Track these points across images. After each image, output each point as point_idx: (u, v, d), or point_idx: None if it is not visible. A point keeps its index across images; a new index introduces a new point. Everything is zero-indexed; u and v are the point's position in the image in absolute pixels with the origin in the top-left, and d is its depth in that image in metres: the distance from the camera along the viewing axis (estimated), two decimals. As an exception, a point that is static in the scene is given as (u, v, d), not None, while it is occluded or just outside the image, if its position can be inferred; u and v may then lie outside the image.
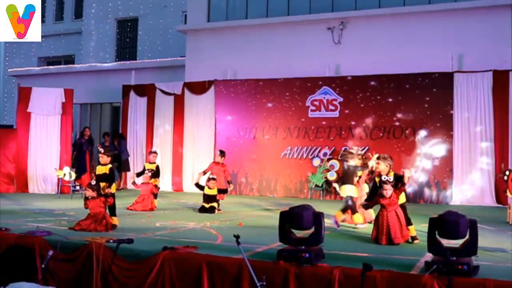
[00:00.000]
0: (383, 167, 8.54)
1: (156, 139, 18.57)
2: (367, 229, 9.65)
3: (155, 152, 13.32)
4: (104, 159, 9.47)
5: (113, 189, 9.32)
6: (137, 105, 18.93)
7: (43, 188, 16.39)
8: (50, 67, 24.89)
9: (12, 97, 25.21)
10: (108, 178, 9.32)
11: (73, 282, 6.96)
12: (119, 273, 6.73)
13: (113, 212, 9.21)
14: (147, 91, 18.83)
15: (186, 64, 19.37)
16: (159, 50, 22.90)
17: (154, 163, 12.93)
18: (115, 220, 9.09)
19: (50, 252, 6.18)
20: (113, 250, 6.07)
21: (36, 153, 16.56)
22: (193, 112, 18.16)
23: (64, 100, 16.88)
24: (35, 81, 21.35)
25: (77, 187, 15.47)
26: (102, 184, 9.15)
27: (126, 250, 6.52)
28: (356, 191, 10.01)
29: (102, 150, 9.65)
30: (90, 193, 8.90)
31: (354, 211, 9.84)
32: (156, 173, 12.73)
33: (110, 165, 9.54)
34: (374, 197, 8.45)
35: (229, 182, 12.64)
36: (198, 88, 18.12)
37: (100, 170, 9.46)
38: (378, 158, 8.74)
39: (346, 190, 9.86)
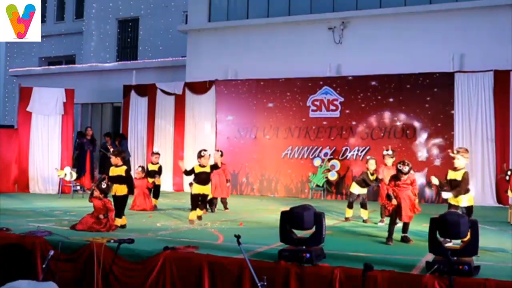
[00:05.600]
0: (463, 161, 8.26)
1: (157, 139, 18.59)
2: (369, 228, 9.66)
3: (157, 153, 13.32)
4: (114, 159, 9.34)
5: (123, 190, 9.20)
6: (138, 105, 18.94)
7: (44, 188, 16.40)
8: (51, 67, 24.91)
9: (13, 97, 25.24)
10: (126, 181, 9.15)
11: (74, 282, 6.96)
12: (120, 273, 6.73)
13: (119, 214, 9.10)
14: (148, 91, 18.85)
15: (187, 64, 19.38)
16: (160, 50, 22.92)
17: (157, 163, 12.95)
18: (118, 221, 9.01)
19: (51, 252, 6.19)
20: (114, 250, 6.08)
21: (37, 153, 16.56)
22: (194, 112, 18.18)
23: (65, 100, 16.90)
24: (36, 81, 21.36)
25: (78, 187, 15.47)
26: (116, 186, 9.08)
27: (127, 250, 6.53)
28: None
29: (111, 151, 9.62)
30: (97, 193, 8.88)
31: None
32: (158, 173, 12.76)
33: (125, 167, 9.34)
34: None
35: (227, 181, 12.62)
36: (199, 88, 18.14)
37: (114, 171, 9.30)
38: (457, 153, 8.35)
39: None
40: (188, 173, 10.28)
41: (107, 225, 8.64)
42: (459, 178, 8.25)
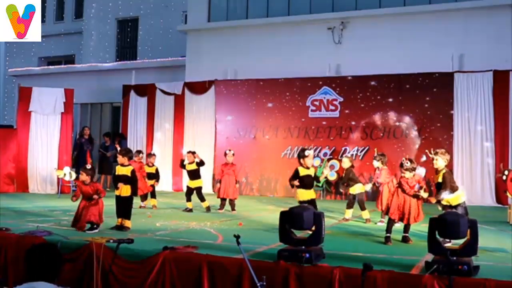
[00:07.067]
0: (442, 162, 8.15)
1: (156, 139, 18.60)
2: (368, 229, 9.67)
3: (154, 155, 13.36)
4: (121, 159, 9.16)
5: (128, 191, 9.05)
6: (138, 105, 18.94)
7: (43, 188, 16.41)
8: (51, 67, 24.90)
9: (13, 97, 25.24)
10: (131, 181, 9.01)
11: (74, 282, 6.95)
12: (120, 273, 6.72)
13: (127, 215, 8.98)
14: (147, 91, 18.85)
15: (187, 64, 19.39)
16: (160, 50, 22.91)
17: (153, 165, 12.93)
18: (127, 223, 8.94)
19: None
20: (114, 250, 6.07)
21: (36, 153, 16.57)
22: (193, 112, 18.18)
23: (64, 100, 16.90)
24: (36, 81, 21.35)
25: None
26: (121, 185, 8.98)
27: (126, 250, 6.52)
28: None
29: (118, 150, 9.59)
30: (84, 177, 8.72)
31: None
32: (156, 176, 12.78)
33: (131, 167, 9.19)
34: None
35: (237, 182, 12.61)
36: (199, 88, 18.14)
37: (120, 170, 9.15)
38: (436, 154, 8.22)
39: None
40: (292, 178, 9.27)
41: (97, 193, 8.60)
42: (441, 179, 8.13)
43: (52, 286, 3.58)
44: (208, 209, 12.01)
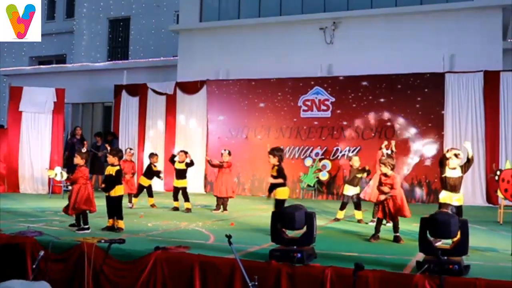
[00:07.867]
0: (457, 161, 8.47)
1: (148, 139, 18.58)
2: (360, 228, 9.69)
3: (156, 154, 13.57)
4: (111, 159, 9.10)
5: (118, 191, 8.99)
6: (129, 105, 18.90)
7: (34, 188, 16.33)
8: (42, 66, 24.80)
9: (3, 96, 25.09)
10: (113, 180, 8.94)
11: (65, 282, 6.93)
12: (111, 273, 6.70)
13: (119, 215, 8.90)
14: (139, 91, 18.81)
15: (179, 64, 19.36)
16: (151, 50, 22.87)
17: (156, 166, 13.28)
18: (120, 223, 8.89)
19: (42, 253, 6.16)
20: (105, 250, 6.06)
21: (27, 153, 16.49)
22: (185, 112, 18.16)
23: (55, 100, 16.83)
24: (27, 80, 21.26)
25: (69, 187, 15.38)
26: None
27: (118, 250, 6.50)
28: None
29: (108, 150, 9.58)
30: (78, 160, 8.70)
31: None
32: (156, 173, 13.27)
33: (117, 168, 9.11)
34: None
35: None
36: (190, 88, 18.12)
37: (108, 170, 9.11)
38: (450, 151, 8.45)
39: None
40: None
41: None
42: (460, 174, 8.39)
43: (25, 282, 3.59)
44: (188, 210, 11.96)
